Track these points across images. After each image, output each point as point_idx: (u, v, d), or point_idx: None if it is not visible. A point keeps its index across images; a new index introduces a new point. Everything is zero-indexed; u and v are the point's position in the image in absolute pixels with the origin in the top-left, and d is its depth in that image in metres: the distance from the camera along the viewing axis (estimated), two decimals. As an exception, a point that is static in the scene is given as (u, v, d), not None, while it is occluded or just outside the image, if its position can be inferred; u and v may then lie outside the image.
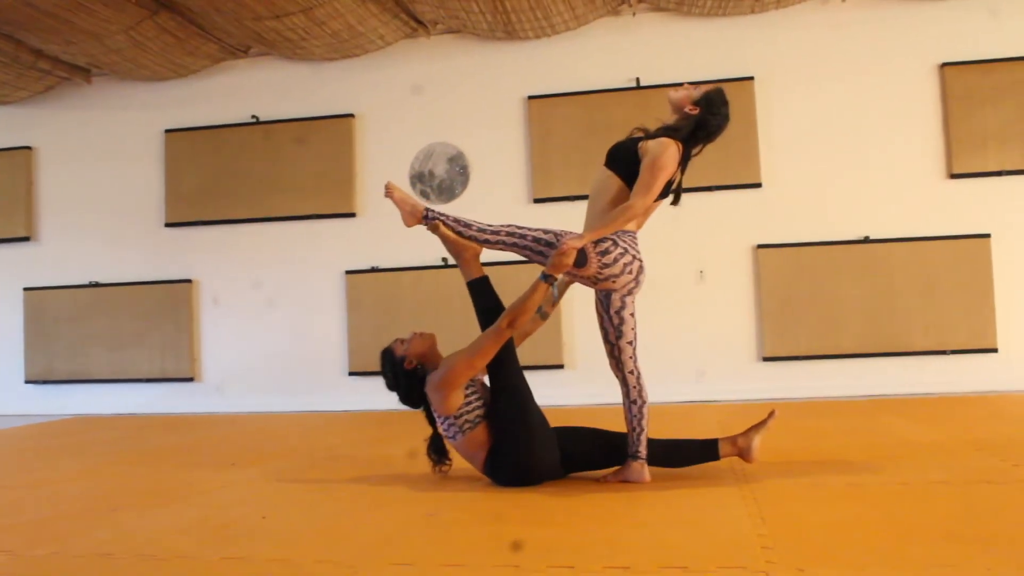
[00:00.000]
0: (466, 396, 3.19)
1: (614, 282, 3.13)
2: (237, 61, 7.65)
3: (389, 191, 3.39)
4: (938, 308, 6.50)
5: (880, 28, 6.75)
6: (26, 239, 7.99)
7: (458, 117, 7.28)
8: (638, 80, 6.86)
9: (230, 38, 7.17)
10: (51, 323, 7.80)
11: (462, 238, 3.31)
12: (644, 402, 3.19)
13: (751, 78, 6.78)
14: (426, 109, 7.34)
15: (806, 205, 6.74)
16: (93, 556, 2.48)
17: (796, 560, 2.11)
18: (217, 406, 7.44)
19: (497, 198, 7.11)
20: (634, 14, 6.98)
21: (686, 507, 2.83)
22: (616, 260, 3.10)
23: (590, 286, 3.21)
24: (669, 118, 3.26)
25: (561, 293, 3.33)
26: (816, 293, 6.65)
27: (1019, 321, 6.47)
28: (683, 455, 3.31)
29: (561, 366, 6.89)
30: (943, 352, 6.50)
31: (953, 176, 6.59)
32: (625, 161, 3.17)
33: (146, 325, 7.63)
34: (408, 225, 3.40)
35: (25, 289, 7.88)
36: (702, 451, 3.28)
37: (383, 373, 3.38)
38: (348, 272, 7.33)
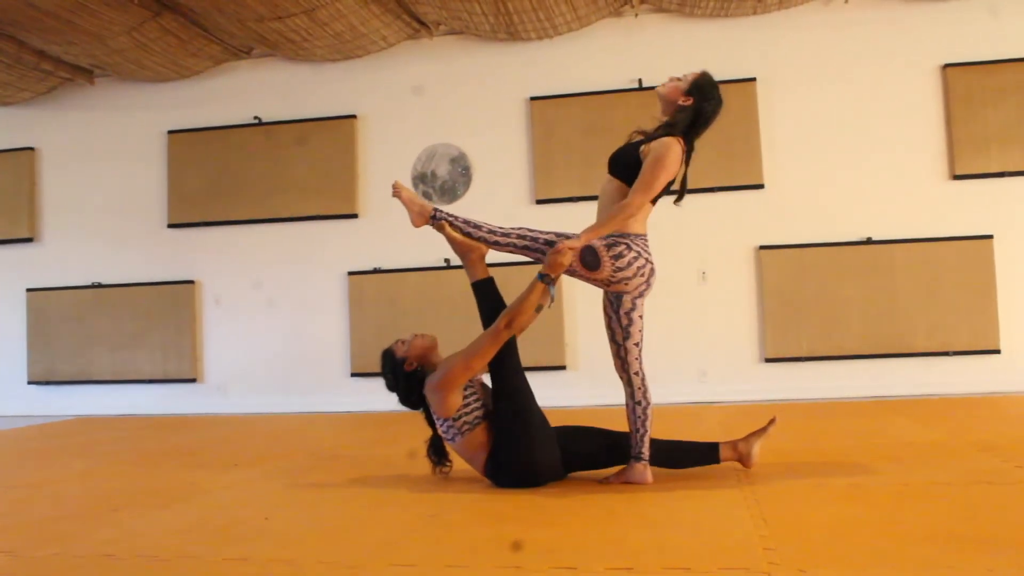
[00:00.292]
0: (465, 398, 3.19)
1: (626, 285, 3.13)
2: (239, 62, 7.66)
3: (396, 191, 3.38)
4: (940, 309, 6.50)
5: (882, 29, 6.75)
6: (29, 240, 8.00)
7: (460, 118, 7.29)
8: (640, 81, 6.86)
9: (232, 39, 7.18)
10: (54, 324, 7.81)
11: (470, 239, 3.31)
12: (648, 403, 3.19)
13: (753, 79, 6.78)
14: (428, 110, 7.35)
15: (808, 206, 6.74)
16: (95, 557, 2.48)
17: (798, 561, 2.11)
18: (219, 407, 7.45)
19: (499, 199, 7.11)
20: (636, 15, 6.98)
21: (688, 508, 2.82)
22: (630, 264, 3.10)
23: (602, 288, 3.20)
24: (661, 116, 3.26)
25: (557, 293, 3.34)
26: (818, 294, 6.64)
27: (1021, 322, 6.46)
28: (684, 457, 3.32)
29: (563, 367, 6.89)
30: (945, 353, 6.49)
31: (955, 177, 6.59)
32: (627, 165, 3.17)
33: (148, 326, 7.64)
34: (416, 225, 3.39)
35: (28, 290, 7.89)
36: (703, 454, 3.30)
37: (383, 374, 3.39)
38: (350, 273, 7.33)
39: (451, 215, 3.34)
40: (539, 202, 7.02)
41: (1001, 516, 2.57)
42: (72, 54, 7.21)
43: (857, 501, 2.83)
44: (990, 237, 6.49)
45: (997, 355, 6.45)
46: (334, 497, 3.30)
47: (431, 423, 3.37)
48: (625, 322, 3.17)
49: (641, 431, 3.18)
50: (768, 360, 6.71)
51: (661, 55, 6.94)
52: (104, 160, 7.92)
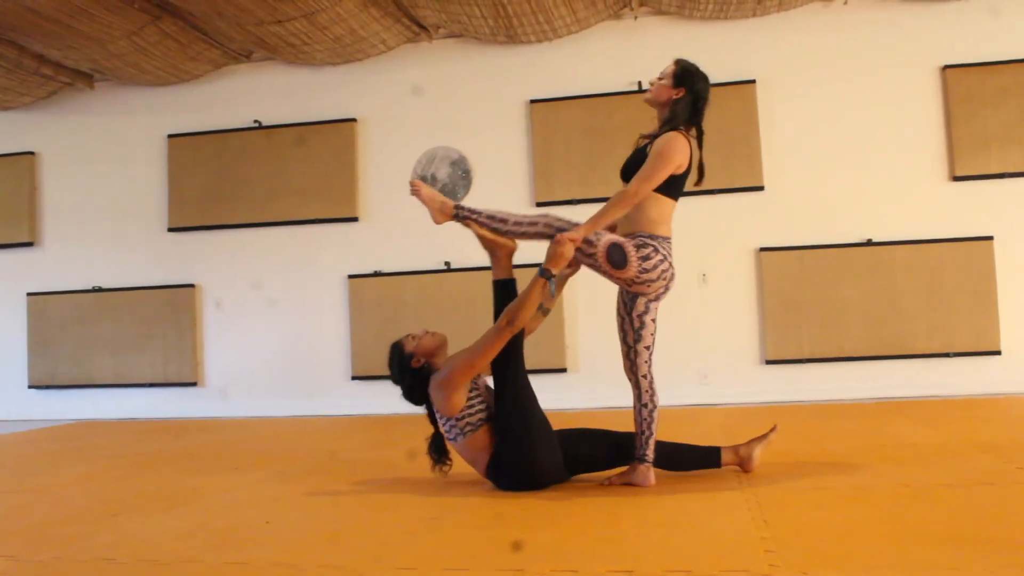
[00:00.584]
0: (469, 399, 3.18)
1: (648, 287, 3.12)
2: (239, 66, 7.67)
3: (415, 189, 3.35)
4: (941, 311, 6.49)
5: (882, 30, 6.75)
6: (29, 244, 8.01)
7: (460, 121, 7.29)
8: (640, 83, 6.86)
9: (232, 43, 7.19)
10: (54, 328, 7.81)
11: (497, 234, 3.29)
12: (654, 406, 3.19)
13: (753, 81, 6.78)
14: (428, 113, 7.35)
15: (808, 208, 6.74)
16: (96, 561, 2.48)
17: (799, 563, 2.11)
18: (220, 410, 7.44)
19: (499, 202, 7.03)
20: (636, 18, 6.99)
21: (689, 510, 2.82)
22: (655, 266, 3.09)
23: (622, 287, 3.18)
24: (658, 118, 3.27)
25: (559, 288, 3.31)
26: (819, 296, 6.64)
27: (1022, 323, 6.46)
28: (685, 459, 3.34)
29: (564, 370, 6.88)
30: (946, 354, 6.49)
31: (955, 178, 6.58)
32: (638, 168, 3.17)
33: (149, 330, 7.64)
34: (438, 222, 3.36)
35: (28, 294, 7.89)
36: (704, 457, 3.33)
37: (390, 366, 3.38)
38: (350, 276, 7.33)
39: (474, 210, 3.29)
40: (539, 204, 7.01)
41: (1002, 517, 2.57)
42: (72, 58, 7.22)
43: (858, 503, 2.83)
44: (990, 238, 6.49)
45: (998, 356, 6.44)
46: (335, 500, 3.30)
47: (433, 421, 3.36)
48: (637, 324, 3.17)
49: (647, 433, 3.18)
50: (769, 362, 6.71)
51: (661, 57, 6.81)
52: (104, 164, 7.93)
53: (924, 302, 6.52)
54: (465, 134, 7.27)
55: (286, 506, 3.26)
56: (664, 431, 3.29)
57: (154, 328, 7.63)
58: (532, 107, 7.12)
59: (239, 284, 7.57)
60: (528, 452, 3.13)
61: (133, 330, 7.65)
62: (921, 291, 6.53)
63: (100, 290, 7.77)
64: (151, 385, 7.63)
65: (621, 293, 3.22)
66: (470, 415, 3.19)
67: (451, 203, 3.32)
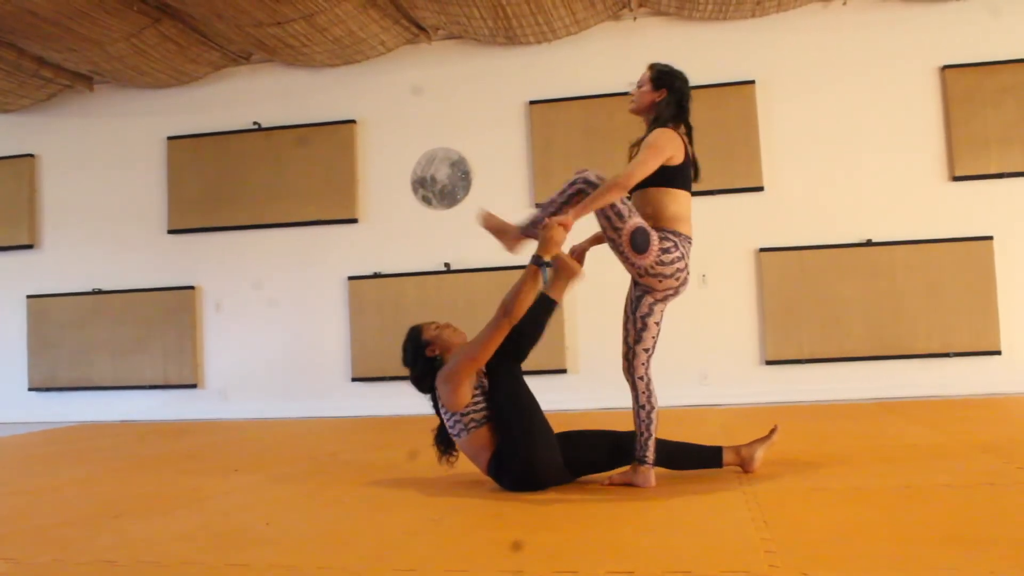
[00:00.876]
0: (473, 395, 3.19)
1: (660, 282, 3.13)
2: (239, 68, 7.67)
3: (485, 220, 3.32)
4: (941, 311, 6.50)
5: (881, 31, 6.75)
6: (29, 247, 8.01)
7: (460, 122, 7.30)
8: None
9: (232, 45, 7.20)
10: (54, 330, 7.81)
11: (566, 256, 3.27)
12: (653, 408, 3.19)
13: (752, 82, 6.78)
14: (428, 114, 7.36)
15: (808, 208, 6.74)
16: (96, 563, 2.48)
17: (800, 564, 2.11)
18: (220, 412, 7.44)
19: (499, 202, 7.06)
20: (635, 18, 6.99)
21: (690, 511, 2.82)
22: (673, 262, 3.11)
23: (635, 275, 3.16)
24: (644, 123, 3.28)
25: (558, 288, 3.30)
26: (819, 296, 6.64)
27: (1022, 323, 6.46)
28: (687, 459, 3.34)
29: (564, 371, 6.88)
30: (946, 355, 6.49)
31: (955, 179, 6.59)
32: None
33: (149, 332, 7.64)
34: (512, 252, 3.34)
35: (28, 296, 7.90)
36: (706, 457, 3.34)
37: (404, 347, 3.37)
38: (350, 278, 7.33)
39: (531, 226, 3.23)
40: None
41: (1003, 517, 2.56)
42: (72, 61, 7.23)
43: (858, 503, 2.83)
44: (990, 238, 6.49)
45: (998, 356, 6.45)
46: (335, 502, 3.30)
47: (438, 412, 3.36)
48: (639, 325, 3.17)
49: (646, 435, 3.18)
50: (769, 362, 6.71)
51: (660, 58, 6.79)
52: (104, 166, 7.93)
53: (924, 302, 6.52)
54: (464, 135, 7.27)
55: (286, 507, 3.26)
56: (664, 431, 3.29)
57: (154, 330, 7.63)
58: (531, 108, 7.13)
59: (239, 286, 7.57)
60: (527, 449, 3.13)
61: (133, 332, 7.66)
62: (921, 291, 6.53)
63: (100, 292, 7.77)
64: (151, 387, 7.63)
65: (630, 291, 3.22)
66: (475, 411, 3.19)
67: (515, 227, 3.29)
